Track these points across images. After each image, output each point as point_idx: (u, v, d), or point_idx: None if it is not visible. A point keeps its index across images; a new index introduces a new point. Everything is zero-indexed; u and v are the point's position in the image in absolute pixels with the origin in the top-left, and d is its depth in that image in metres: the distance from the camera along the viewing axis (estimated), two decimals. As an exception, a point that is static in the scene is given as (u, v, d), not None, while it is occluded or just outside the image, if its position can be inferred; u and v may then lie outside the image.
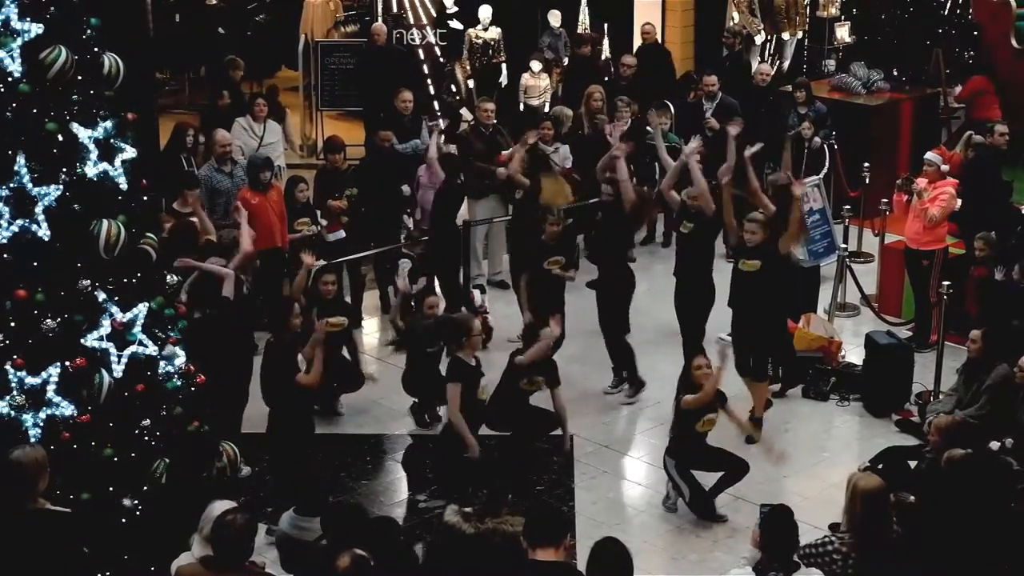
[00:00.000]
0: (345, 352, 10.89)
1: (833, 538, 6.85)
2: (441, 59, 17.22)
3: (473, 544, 6.65)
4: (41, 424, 7.03)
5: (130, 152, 7.39)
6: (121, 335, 7.24)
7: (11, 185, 7.00)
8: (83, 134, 7.13)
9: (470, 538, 6.68)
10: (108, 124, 7.28)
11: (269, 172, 11.84)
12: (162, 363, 7.50)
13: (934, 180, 11.93)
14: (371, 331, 12.69)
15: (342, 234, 12.36)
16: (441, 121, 13.25)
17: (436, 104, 16.97)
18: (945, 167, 12.21)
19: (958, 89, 16.11)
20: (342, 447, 10.34)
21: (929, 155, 12.27)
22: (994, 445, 9.08)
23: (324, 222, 12.27)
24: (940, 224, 11.91)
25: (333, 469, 9.95)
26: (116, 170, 7.30)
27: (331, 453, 10.15)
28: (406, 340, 10.93)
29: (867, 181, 14.11)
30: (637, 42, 16.92)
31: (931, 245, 11.96)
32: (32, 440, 6.92)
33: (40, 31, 7.01)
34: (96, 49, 7.32)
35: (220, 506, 6.58)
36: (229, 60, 15.09)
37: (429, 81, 17.01)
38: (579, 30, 17.32)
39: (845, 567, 6.73)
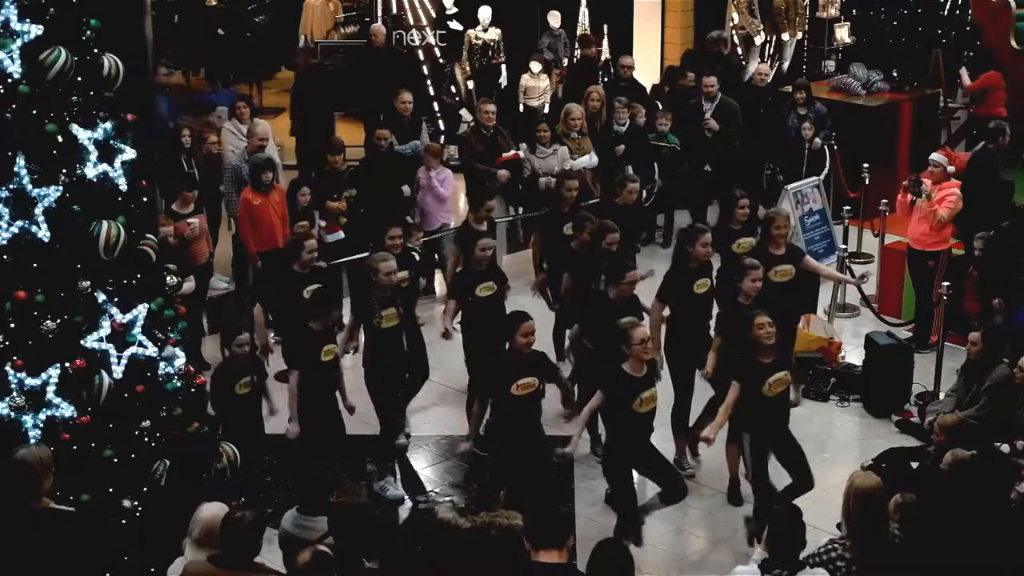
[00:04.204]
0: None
1: (836, 544, 6.85)
2: (441, 60, 17.24)
3: (469, 538, 6.65)
4: (41, 425, 7.04)
5: (130, 153, 7.40)
6: (121, 336, 7.24)
7: (11, 186, 7.00)
8: (83, 135, 7.13)
9: (466, 533, 6.68)
10: (108, 125, 7.28)
11: (270, 173, 11.85)
12: (162, 364, 7.50)
13: (939, 181, 11.92)
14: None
15: (341, 235, 12.36)
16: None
17: (435, 105, 17.01)
18: (951, 168, 12.20)
19: (965, 77, 15.77)
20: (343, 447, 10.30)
21: (935, 156, 12.24)
22: (1004, 448, 9.06)
23: (323, 223, 12.27)
24: (946, 225, 11.93)
25: (333, 469, 9.93)
26: (116, 171, 7.30)
27: (331, 453, 10.12)
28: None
29: (867, 182, 14.11)
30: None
31: (937, 246, 11.97)
32: (32, 441, 6.92)
33: (40, 32, 7.01)
34: (96, 50, 7.32)
35: (209, 508, 6.58)
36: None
37: (429, 82, 17.03)
38: (579, 31, 17.33)
39: (849, 572, 6.72)
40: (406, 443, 10.23)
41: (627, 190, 11.89)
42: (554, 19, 16.98)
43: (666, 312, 10.06)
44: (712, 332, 9.95)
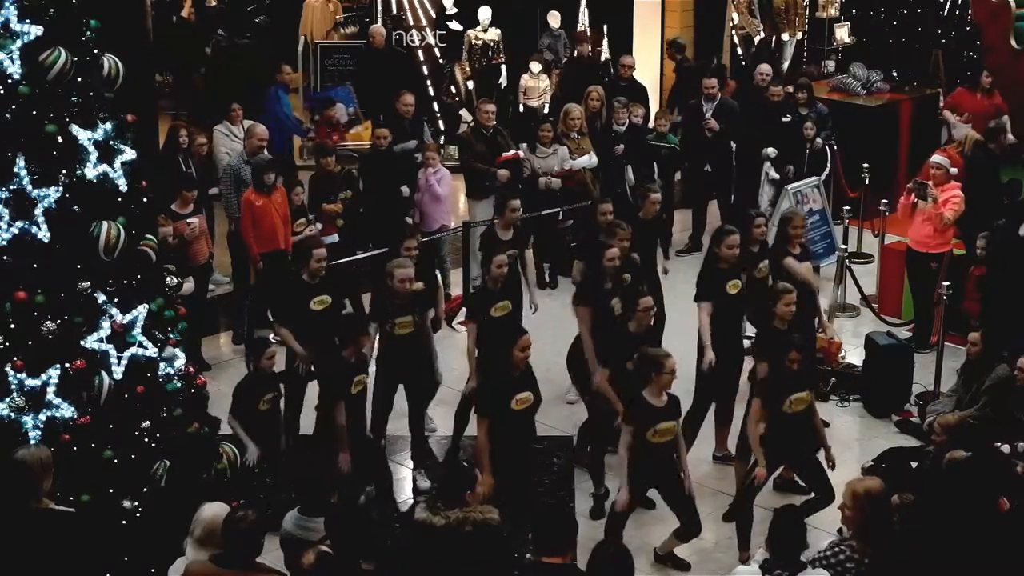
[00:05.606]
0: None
1: (843, 546, 6.83)
2: (440, 60, 17.25)
3: (445, 535, 6.68)
4: (41, 426, 7.04)
5: (129, 154, 7.40)
6: (121, 337, 7.25)
7: (11, 187, 7.01)
8: (83, 136, 7.14)
9: (441, 530, 6.69)
10: (108, 126, 7.29)
11: (273, 174, 11.83)
12: (162, 365, 7.50)
13: (941, 183, 11.90)
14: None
15: (335, 238, 12.32)
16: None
17: (435, 105, 17.02)
18: (953, 170, 12.19)
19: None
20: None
21: (936, 158, 12.22)
22: (1005, 449, 9.05)
23: (319, 226, 12.24)
24: (950, 226, 11.93)
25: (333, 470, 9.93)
26: (116, 172, 7.30)
27: (331, 454, 10.12)
28: None
29: (867, 182, 14.11)
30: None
31: (940, 247, 11.96)
32: (32, 442, 6.93)
33: (40, 33, 7.02)
34: (96, 51, 7.33)
35: (210, 508, 6.59)
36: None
37: (428, 83, 17.04)
38: (578, 30, 17.35)
39: (859, 574, 6.71)
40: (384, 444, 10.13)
41: (649, 201, 11.16)
42: (554, 19, 17.00)
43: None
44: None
